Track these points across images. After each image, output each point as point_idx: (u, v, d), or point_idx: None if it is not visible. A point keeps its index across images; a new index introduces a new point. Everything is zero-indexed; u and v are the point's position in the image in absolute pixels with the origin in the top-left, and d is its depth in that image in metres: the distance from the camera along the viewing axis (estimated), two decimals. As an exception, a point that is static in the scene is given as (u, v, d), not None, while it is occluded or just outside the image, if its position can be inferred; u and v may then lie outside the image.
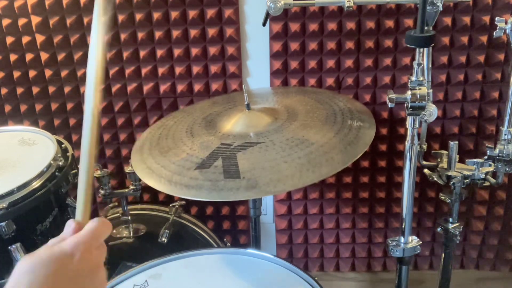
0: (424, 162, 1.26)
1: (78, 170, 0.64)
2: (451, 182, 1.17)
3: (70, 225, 0.61)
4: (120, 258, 1.25)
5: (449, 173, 1.17)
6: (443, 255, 1.27)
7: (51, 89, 1.54)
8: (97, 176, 1.35)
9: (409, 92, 0.93)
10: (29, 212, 1.07)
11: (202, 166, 1.00)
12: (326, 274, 1.76)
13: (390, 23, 1.40)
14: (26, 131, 1.34)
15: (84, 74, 1.50)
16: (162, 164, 1.05)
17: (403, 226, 1.10)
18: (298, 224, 1.68)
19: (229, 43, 1.46)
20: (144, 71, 1.50)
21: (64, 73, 1.52)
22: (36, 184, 1.09)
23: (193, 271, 1.04)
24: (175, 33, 1.45)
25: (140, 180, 1.05)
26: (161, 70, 1.50)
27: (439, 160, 1.22)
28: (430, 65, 1.19)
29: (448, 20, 1.38)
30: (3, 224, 1.03)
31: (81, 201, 0.63)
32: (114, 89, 1.53)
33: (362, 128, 1.08)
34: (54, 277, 0.55)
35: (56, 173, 1.15)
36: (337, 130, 1.07)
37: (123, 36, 1.46)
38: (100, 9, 0.65)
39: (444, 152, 1.21)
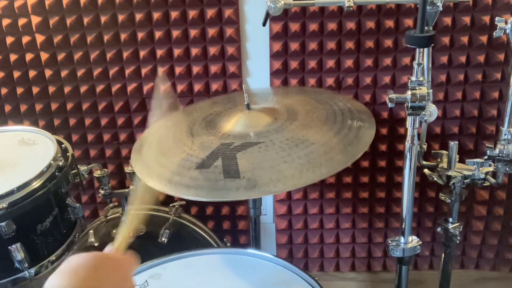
0: (424, 162, 1.26)
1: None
2: (451, 182, 1.17)
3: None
4: (120, 258, 1.25)
5: (449, 173, 1.17)
6: (443, 255, 1.27)
7: (51, 89, 1.54)
8: (97, 176, 1.35)
9: (409, 92, 0.93)
10: (29, 212, 1.08)
11: (202, 166, 1.00)
12: (326, 274, 1.76)
13: (390, 23, 1.40)
14: (26, 131, 1.34)
15: (84, 74, 1.51)
16: (162, 164, 1.05)
17: (403, 226, 1.10)
18: (298, 224, 1.68)
19: (229, 43, 1.46)
20: (144, 71, 1.50)
21: (64, 73, 1.51)
22: (36, 184, 1.09)
23: (193, 271, 1.04)
24: (175, 33, 1.45)
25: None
26: (161, 70, 1.50)
27: (439, 160, 1.22)
28: (430, 65, 1.19)
29: (448, 20, 1.38)
30: (3, 224, 1.03)
31: (121, 233, 0.76)
32: (114, 89, 1.53)
33: (362, 128, 1.08)
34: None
35: (56, 173, 1.15)
36: (337, 130, 1.07)
37: (123, 36, 1.46)
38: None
39: (444, 152, 1.21)
